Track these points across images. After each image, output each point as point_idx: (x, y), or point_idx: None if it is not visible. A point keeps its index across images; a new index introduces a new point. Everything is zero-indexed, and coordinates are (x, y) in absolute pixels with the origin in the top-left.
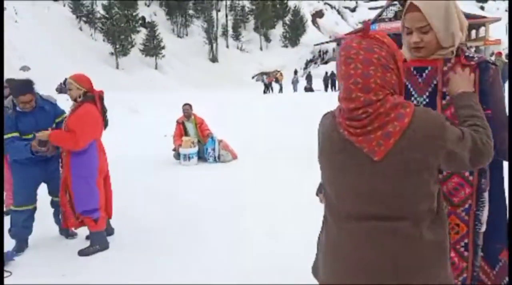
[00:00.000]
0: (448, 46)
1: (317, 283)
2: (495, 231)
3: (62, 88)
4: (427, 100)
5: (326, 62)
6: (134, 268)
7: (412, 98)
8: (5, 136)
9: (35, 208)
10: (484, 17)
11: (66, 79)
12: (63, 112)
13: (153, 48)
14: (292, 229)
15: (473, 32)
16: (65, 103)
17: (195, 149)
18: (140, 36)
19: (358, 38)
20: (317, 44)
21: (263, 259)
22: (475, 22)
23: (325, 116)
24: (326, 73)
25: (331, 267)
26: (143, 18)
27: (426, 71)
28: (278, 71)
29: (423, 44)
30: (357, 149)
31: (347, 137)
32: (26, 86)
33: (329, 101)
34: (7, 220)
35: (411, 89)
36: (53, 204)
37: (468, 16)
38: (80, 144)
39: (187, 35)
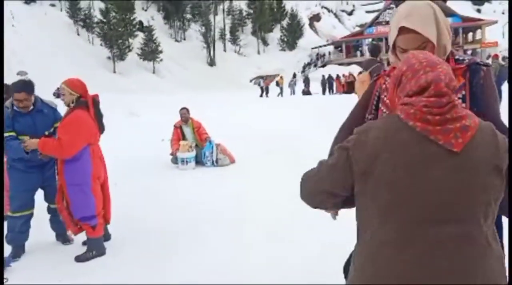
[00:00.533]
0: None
1: (316, 283)
2: None
3: (59, 93)
4: None
5: (323, 66)
6: (133, 271)
7: None
8: (4, 134)
9: (31, 214)
10: (480, 19)
11: None
12: (62, 117)
13: (150, 52)
14: (291, 230)
15: (470, 34)
16: (63, 108)
17: (193, 153)
18: (137, 40)
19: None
20: (314, 48)
21: (263, 259)
22: (472, 25)
23: (383, 120)
24: (324, 76)
25: (389, 276)
26: (141, 23)
27: None
28: (279, 75)
29: None
30: (431, 143)
31: (420, 130)
32: (24, 85)
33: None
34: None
35: None
36: (49, 210)
37: (464, 18)
38: (67, 151)
39: (184, 39)
